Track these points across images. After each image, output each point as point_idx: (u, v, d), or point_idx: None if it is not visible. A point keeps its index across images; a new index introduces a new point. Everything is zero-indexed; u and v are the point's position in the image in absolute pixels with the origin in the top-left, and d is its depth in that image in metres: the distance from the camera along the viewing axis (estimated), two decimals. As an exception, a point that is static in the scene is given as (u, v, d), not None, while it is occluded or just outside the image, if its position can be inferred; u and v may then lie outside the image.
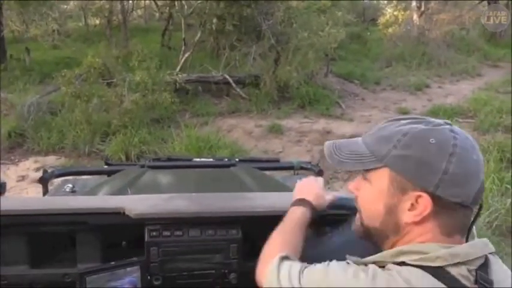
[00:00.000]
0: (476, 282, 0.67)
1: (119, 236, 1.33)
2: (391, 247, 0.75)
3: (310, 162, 2.41)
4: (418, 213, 0.70)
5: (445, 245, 0.69)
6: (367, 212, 0.78)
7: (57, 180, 2.20)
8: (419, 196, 0.69)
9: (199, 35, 7.62)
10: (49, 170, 2.11)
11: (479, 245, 0.71)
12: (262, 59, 8.21)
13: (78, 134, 6.11)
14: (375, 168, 0.73)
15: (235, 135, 6.50)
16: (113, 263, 1.20)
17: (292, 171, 2.35)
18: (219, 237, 1.24)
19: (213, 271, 1.25)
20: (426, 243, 0.70)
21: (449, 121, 0.74)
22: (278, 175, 2.43)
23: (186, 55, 7.86)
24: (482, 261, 0.70)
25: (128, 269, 1.20)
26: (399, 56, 11.73)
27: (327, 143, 0.82)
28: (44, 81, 9.19)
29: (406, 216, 0.71)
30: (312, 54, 6.98)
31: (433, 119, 0.74)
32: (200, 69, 8.43)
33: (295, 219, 0.97)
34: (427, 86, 9.79)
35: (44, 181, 2.02)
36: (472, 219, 0.74)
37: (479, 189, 0.70)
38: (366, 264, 0.72)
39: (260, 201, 1.35)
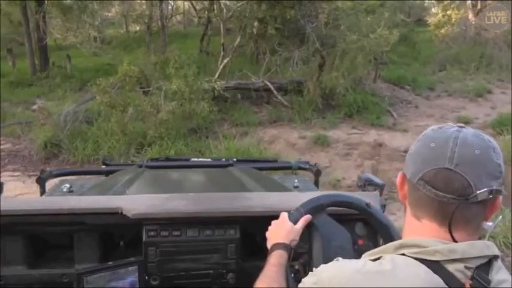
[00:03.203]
0: (472, 278, 0.68)
1: (117, 236, 1.32)
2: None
3: (308, 162, 2.37)
4: (400, 191, 0.80)
5: (444, 241, 0.71)
6: None
7: (54, 181, 2.15)
8: (401, 175, 0.80)
9: (238, 39, 7.20)
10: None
11: (479, 246, 0.71)
12: (305, 64, 7.68)
13: (113, 144, 5.87)
14: None
15: (277, 148, 6.00)
16: (110, 263, 1.19)
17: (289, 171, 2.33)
18: (217, 237, 1.23)
19: (211, 271, 1.24)
20: (426, 238, 0.72)
21: (465, 126, 0.76)
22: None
23: (225, 61, 7.47)
24: (483, 261, 0.70)
25: (126, 269, 1.19)
26: (454, 59, 10.75)
27: None
28: (83, 89, 9.14)
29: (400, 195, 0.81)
30: (361, 59, 6.36)
31: (453, 125, 0.77)
32: (239, 76, 8.03)
33: (276, 264, 0.99)
34: (489, 92, 8.82)
35: (41, 181, 1.99)
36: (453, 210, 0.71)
37: (426, 174, 0.72)
38: (373, 260, 0.75)
39: (258, 201, 1.33)
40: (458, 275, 0.68)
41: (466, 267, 0.69)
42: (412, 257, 0.70)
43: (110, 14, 17.20)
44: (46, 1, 10.18)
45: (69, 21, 10.67)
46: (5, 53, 11.68)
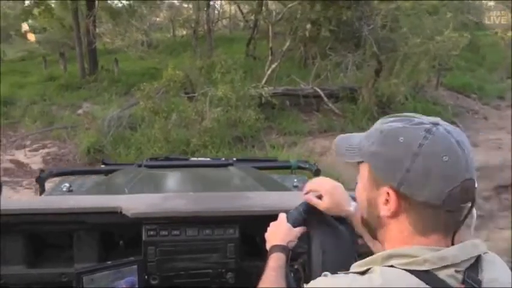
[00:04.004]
0: (463, 281, 0.67)
1: (116, 236, 1.32)
2: (381, 241, 0.77)
3: (307, 162, 2.35)
4: (390, 208, 0.71)
5: (433, 248, 0.69)
6: (358, 202, 0.82)
7: (53, 180, 2.15)
8: (388, 192, 0.71)
9: (288, 43, 6.76)
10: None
11: (468, 247, 0.70)
12: (358, 69, 7.12)
13: (156, 152, 5.63)
14: (362, 162, 0.76)
15: (329, 160, 5.48)
16: (110, 262, 1.19)
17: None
18: (216, 236, 1.23)
19: (211, 270, 1.24)
20: (414, 247, 0.70)
21: (438, 121, 0.72)
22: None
23: (273, 66, 7.05)
24: (472, 261, 0.69)
25: (125, 268, 1.18)
26: (524, 65, 9.72)
27: (339, 136, 0.84)
28: (129, 92, 9.08)
29: (382, 210, 0.73)
30: (425, 64, 5.71)
31: (421, 118, 0.73)
32: (287, 81, 7.60)
33: (275, 268, 0.99)
34: None
35: (40, 180, 1.98)
36: (461, 219, 0.71)
37: (453, 192, 0.67)
38: (362, 273, 0.72)
39: (258, 200, 1.33)
40: (450, 281, 0.67)
41: (456, 271, 0.67)
42: (402, 269, 0.67)
43: (158, 19, 17.45)
44: (96, 6, 10.31)
45: (118, 25, 10.77)
46: (58, 57, 11.99)
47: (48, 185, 2.10)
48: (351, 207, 1.01)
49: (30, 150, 6.58)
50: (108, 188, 1.74)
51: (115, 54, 11.76)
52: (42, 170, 2.07)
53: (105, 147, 5.88)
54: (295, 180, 2.11)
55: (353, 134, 0.83)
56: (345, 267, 0.74)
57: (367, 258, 0.74)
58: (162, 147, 5.60)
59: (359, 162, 0.77)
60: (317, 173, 2.19)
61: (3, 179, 5.36)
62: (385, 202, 0.71)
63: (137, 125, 6.27)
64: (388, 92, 5.92)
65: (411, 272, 0.66)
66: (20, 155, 6.37)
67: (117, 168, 2.11)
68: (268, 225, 1.06)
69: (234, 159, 2.13)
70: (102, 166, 2.30)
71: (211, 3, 12.57)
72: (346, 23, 6.05)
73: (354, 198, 1.01)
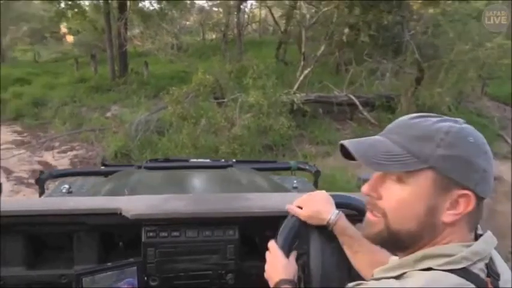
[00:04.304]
0: (488, 275, 0.67)
1: (116, 237, 1.32)
2: (416, 250, 0.71)
3: (307, 163, 2.34)
4: (458, 212, 0.68)
5: (464, 243, 0.68)
6: (400, 214, 0.71)
7: (53, 182, 2.11)
8: (463, 195, 0.67)
9: (322, 47, 6.45)
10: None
11: (489, 240, 0.70)
12: (395, 76, 6.74)
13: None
14: (416, 170, 0.68)
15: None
16: (109, 263, 1.18)
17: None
18: (216, 237, 1.23)
19: (210, 272, 1.24)
20: (449, 245, 0.68)
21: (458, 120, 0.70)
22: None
23: (306, 71, 6.77)
24: (490, 254, 0.70)
25: (125, 269, 1.18)
26: None
27: (346, 142, 0.73)
28: (158, 96, 9.00)
29: (445, 216, 0.68)
30: (473, 72, 5.29)
31: (448, 117, 0.71)
32: (319, 88, 7.30)
33: None
34: None
35: (40, 182, 1.97)
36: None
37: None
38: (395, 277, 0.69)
39: (257, 201, 1.33)
40: (481, 275, 0.66)
41: (484, 265, 0.67)
42: (441, 270, 0.64)
43: (188, 23, 17.52)
44: (128, 8, 10.34)
45: (149, 28, 10.77)
46: (89, 59, 12.12)
47: (48, 186, 2.14)
48: (332, 215, 1.00)
49: (58, 152, 6.55)
50: (108, 189, 1.72)
51: (145, 57, 11.78)
52: (41, 172, 2.05)
53: (132, 152, 5.76)
54: (295, 181, 2.10)
55: (364, 139, 0.74)
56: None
57: (396, 262, 0.71)
58: (190, 153, 5.41)
59: (406, 172, 0.68)
60: (317, 174, 2.15)
61: (30, 181, 5.32)
62: (450, 207, 0.67)
63: (165, 129, 6.12)
64: (430, 101, 5.52)
65: (451, 271, 0.65)
66: (49, 157, 6.34)
67: (117, 169, 2.09)
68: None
69: (234, 160, 2.13)
70: (102, 167, 2.28)
71: (242, 7, 12.43)
72: (386, 27, 5.69)
73: (340, 205, 1.04)
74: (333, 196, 1.06)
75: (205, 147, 5.47)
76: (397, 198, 0.70)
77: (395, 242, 0.72)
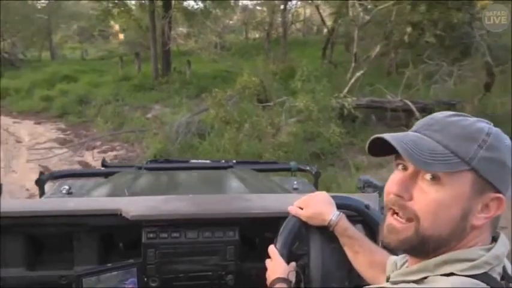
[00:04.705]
0: (503, 278, 0.66)
1: (116, 238, 1.33)
2: (438, 255, 0.67)
3: (307, 164, 2.36)
4: (489, 215, 0.66)
5: (484, 247, 0.66)
6: (435, 218, 0.66)
7: (53, 183, 2.13)
8: (496, 198, 0.64)
9: (378, 48, 5.92)
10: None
11: (505, 242, 0.69)
12: (459, 80, 6.09)
13: (225, 164, 5.16)
14: (457, 171, 0.64)
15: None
16: (109, 264, 1.19)
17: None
18: (216, 239, 1.23)
19: (210, 273, 1.24)
20: (471, 249, 0.66)
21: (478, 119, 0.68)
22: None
23: (358, 74, 6.26)
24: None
25: (125, 270, 1.19)
26: None
27: (386, 135, 0.67)
28: (200, 96, 8.80)
29: (476, 219, 0.65)
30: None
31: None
32: (369, 91, 6.76)
33: None
34: None
35: (40, 183, 1.96)
36: None
37: None
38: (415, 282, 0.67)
39: (258, 202, 1.33)
40: (498, 278, 0.64)
41: (501, 268, 0.66)
42: (463, 275, 0.62)
43: (231, 22, 17.35)
44: (172, 7, 10.24)
45: (193, 26, 10.63)
46: (133, 57, 12.18)
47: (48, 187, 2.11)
48: (333, 216, 1.00)
49: (99, 152, 6.46)
50: (108, 190, 1.73)
51: (188, 56, 11.66)
52: (42, 173, 2.05)
53: (172, 155, 5.53)
54: (295, 182, 2.08)
55: (402, 135, 0.67)
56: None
57: (415, 266, 0.67)
58: (232, 159, 5.10)
59: (445, 172, 0.63)
60: (317, 175, 2.15)
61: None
62: (481, 210, 0.64)
63: (206, 132, 5.85)
64: (502, 110, 4.87)
65: (473, 277, 0.62)
66: (89, 157, 6.25)
67: (117, 170, 2.09)
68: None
69: (234, 161, 2.14)
70: (102, 168, 2.28)
71: (288, 6, 12.04)
72: (453, 27, 5.08)
73: (341, 206, 1.03)
74: (333, 197, 1.07)
75: (248, 153, 5.13)
76: (433, 200, 0.65)
77: (423, 247, 0.67)
